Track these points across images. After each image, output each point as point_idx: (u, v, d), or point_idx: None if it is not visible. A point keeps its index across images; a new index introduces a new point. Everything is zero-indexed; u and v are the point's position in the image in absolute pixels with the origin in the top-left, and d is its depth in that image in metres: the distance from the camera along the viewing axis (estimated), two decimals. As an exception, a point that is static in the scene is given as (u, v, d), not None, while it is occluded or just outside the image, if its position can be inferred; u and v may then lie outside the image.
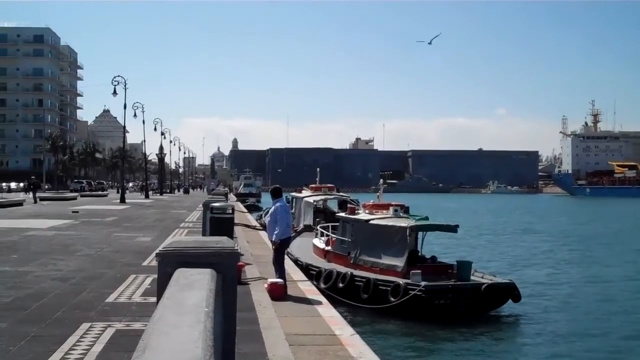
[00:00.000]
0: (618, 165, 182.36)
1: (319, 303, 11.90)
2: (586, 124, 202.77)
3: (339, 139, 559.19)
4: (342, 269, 21.14)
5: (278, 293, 12.13)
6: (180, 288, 3.55)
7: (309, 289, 13.58)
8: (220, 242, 4.72)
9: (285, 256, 14.58)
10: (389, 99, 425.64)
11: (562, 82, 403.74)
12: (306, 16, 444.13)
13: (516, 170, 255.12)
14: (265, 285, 12.57)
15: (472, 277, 19.66)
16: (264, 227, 26.67)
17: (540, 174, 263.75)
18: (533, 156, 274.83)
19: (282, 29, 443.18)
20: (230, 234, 15.59)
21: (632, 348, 16.76)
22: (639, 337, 17.74)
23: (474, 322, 18.25)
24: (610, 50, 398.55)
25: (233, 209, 17.56)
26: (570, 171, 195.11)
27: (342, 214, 24.41)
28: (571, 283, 26.81)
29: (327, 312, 11.16)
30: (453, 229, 21.35)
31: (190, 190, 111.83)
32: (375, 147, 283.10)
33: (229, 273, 4.49)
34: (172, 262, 4.25)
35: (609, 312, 20.84)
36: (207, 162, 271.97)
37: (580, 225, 62.07)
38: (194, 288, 3.53)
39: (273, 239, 13.64)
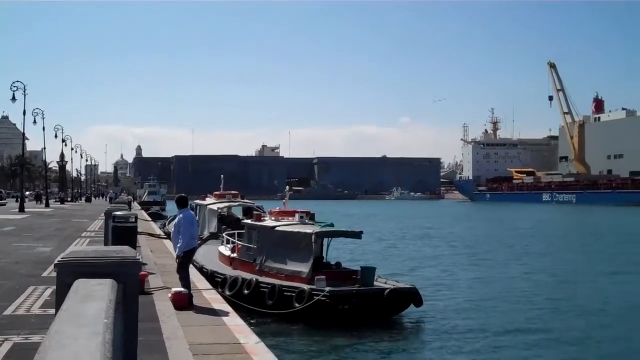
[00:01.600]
0: (516, 172, 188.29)
1: (224, 312, 11.88)
2: (486, 131, 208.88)
3: (245, 146, 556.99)
4: (248, 275, 21.12)
5: (182, 302, 12.04)
6: (80, 299, 3.52)
7: (214, 298, 13.53)
8: (121, 251, 4.69)
9: (190, 265, 14.46)
10: (296, 107, 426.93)
11: (464, 90, 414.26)
12: (208, 23, 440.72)
13: (419, 177, 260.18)
14: (169, 295, 12.46)
15: (375, 283, 19.96)
16: (168, 235, 26.35)
17: (442, 180, 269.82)
18: (435, 163, 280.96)
19: (186, 37, 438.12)
20: (133, 243, 15.39)
21: (529, 343, 17.37)
22: (534, 331, 18.47)
23: (377, 326, 18.54)
24: (508, 58, 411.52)
25: (136, 218, 17.31)
26: (471, 177, 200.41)
27: (248, 221, 24.38)
28: (470, 285, 27.55)
29: (232, 320, 11.16)
30: (357, 235, 21.67)
31: (93, 199, 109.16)
32: (281, 155, 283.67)
33: (130, 283, 4.47)
34: (71, 272, 4.19)
35: (506, 312, 21.49)
36: (111, 169, 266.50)
37: (477, 230, 63.76)
38: (94, 299, 3.50)
39: (176, 253, 13.46)
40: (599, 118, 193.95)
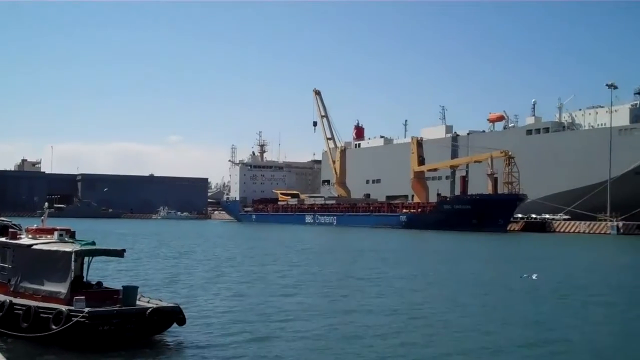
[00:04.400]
0: (282, 194, 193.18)
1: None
2: (253, 153, 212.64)
3: (2, 160, 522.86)
4: (1, 297, 19.99)
5: None
6: None
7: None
8: None
9: None
10: (59, 120, 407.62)
11: (233, 112, 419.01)
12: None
13: (187, 197, 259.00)
14: None
15: (138, 302, 19.68)
16: None
17: (209, 200, 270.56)
18: (203, 183, 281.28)
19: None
20: None
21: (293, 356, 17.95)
22: (293, 340, 19.09)
23: (139, 346, 18.31)
24: (276, 83, 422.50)
25: None
26: (238, 198, 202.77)
27: (2, 239, 23.04)
28: (234, 303, 27.86)
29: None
30: (120, 253, 21.28)
31: None
32: (42, 170, 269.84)
33: None
34: None
35: (269, 330, 21.99)
36: None
37: (242, 248, 64.70)
38: None
39: None
40: (359, 144, 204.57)
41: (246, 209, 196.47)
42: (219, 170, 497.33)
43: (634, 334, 23.51)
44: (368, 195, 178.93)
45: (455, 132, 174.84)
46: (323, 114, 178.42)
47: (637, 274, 48.58)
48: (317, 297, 30.86)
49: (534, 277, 38.05)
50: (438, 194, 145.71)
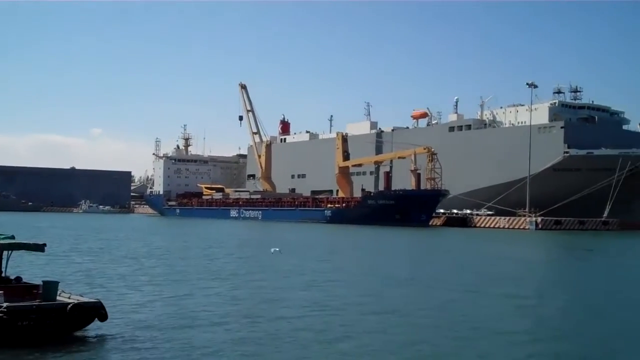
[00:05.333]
0: (206, 188, 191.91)
1: None
2: (178, 147, 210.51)
3: None
4: None
5: None
6: None
7: None
8: None
9: None
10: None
11: (155, 105, 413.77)
12: None
13: (109, 190, 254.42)
14: None
15: (58, 298, 19.36)
16: None
17: (132, 194, 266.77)
18: (126, 176, 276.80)
19: None
20: None
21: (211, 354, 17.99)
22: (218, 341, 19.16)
23: (59, 343, 18.04)
24: (200, 77, 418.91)
25: None
26: (161, 192, 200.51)
27: None
28: (159, 299, 27.67)
29: None
30: (40, 247, 20.92)
31: None
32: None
33: None
34: None
35: (192, 326, 21.97)
36: None
37: (167, 243, 64.12)
38: None
39: None
40: (284, 139, 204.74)
41: (170, 203, 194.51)
42: (142, 164, 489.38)
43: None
44: (293, 190, 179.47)
45: (379, 128, 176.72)
46: (249, 108, 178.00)
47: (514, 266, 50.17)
48: (237, 289, 31.29)
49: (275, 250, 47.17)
50: (362, 189, 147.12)
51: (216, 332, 21.01)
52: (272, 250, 48.34)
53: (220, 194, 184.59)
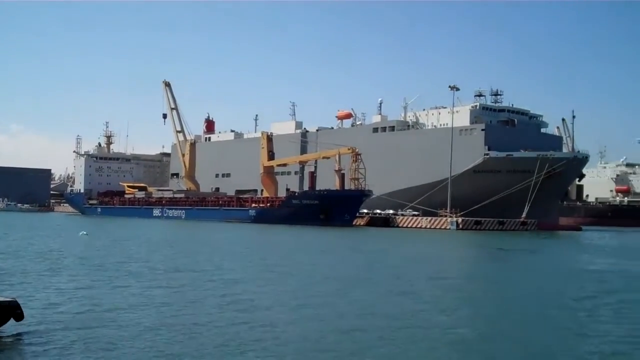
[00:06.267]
0: (129, 186, 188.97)
1: None
2: (100, 144, 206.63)
3: None
4: None
5: None
6: None
7: None
8: None
9: None
10: None
11: (78, 101, 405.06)
12: None
13: (28, 188, 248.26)
14: None
15: (-28, 296, 18.88)
16: None
17: (52, 192, 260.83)
18: (46, 174, 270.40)
19: None
20: None
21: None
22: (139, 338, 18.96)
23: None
24: (124, 74, 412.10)
25: None
26: (82, 190, 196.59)
27: None
28: (73, 298, 27.17)
29: None
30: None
31: None
32: None
33: None
34: None
35: (115, 324, 21.67)
36: None
37: (85, 241, 62.90)
38: None
39: None
40: (209, 138, 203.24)
41: (91, 202, 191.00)
42: (63, 162, 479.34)
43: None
44: (217, 189, 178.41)
45: (304, 128, 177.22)
46: (173, 106, 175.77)
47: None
48: (152, 288, 31.08)
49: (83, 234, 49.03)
50: (287, 189, 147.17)
51: (131, 329, 20.88)
52: (81, 233, 49.84)
53: (143, 192, 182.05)
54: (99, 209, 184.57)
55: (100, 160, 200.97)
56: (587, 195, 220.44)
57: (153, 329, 21.06)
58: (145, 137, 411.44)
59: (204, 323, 22.33)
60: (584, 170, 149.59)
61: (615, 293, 33.97)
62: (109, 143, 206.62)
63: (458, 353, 19.40)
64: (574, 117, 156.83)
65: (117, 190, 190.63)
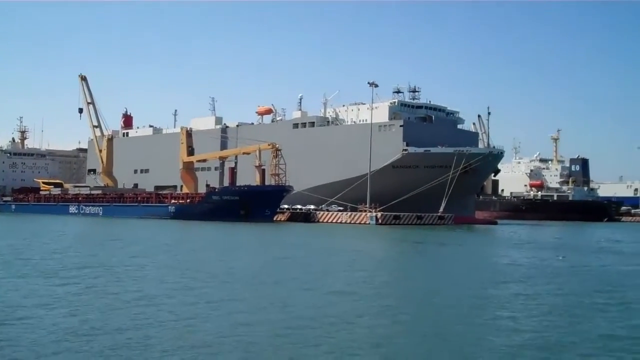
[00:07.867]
0: (44, 183, 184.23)
1: None
2: (13, 139, 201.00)
3: None
4: None
5: None
6: None
7: None
8: None
9: None
10: None
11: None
12: None
13: None
14: None
15: None
16: None
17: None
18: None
19: None
20: None
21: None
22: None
23: None
24: (41, 68, 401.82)
25: None
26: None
27: None
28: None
29: None
30: None
31: None
32: None
33: None
34: None
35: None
36: None
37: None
38: None
39: None
40: (127, 133, 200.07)
41: (5, 199, 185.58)
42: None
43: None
44: (136, 185, 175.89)
45: (224, 124, 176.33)
46: (89, 100, 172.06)
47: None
48: (64, 285, 30.72)
49: None
50: (207, 185, 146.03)
51: (40, 327, 20.69)
52: None
53: (59, 189, 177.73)
54: (13, 207, 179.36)
55: (14, 156, 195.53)
56: (503, 190, 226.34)
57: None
58: (61, 132, 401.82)
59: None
60: (499, 166, 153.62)
61: (518, 282, 35.28)
62: (23, 139, 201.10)
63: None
64: (489, 113, 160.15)
65: (32, 187, 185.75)
